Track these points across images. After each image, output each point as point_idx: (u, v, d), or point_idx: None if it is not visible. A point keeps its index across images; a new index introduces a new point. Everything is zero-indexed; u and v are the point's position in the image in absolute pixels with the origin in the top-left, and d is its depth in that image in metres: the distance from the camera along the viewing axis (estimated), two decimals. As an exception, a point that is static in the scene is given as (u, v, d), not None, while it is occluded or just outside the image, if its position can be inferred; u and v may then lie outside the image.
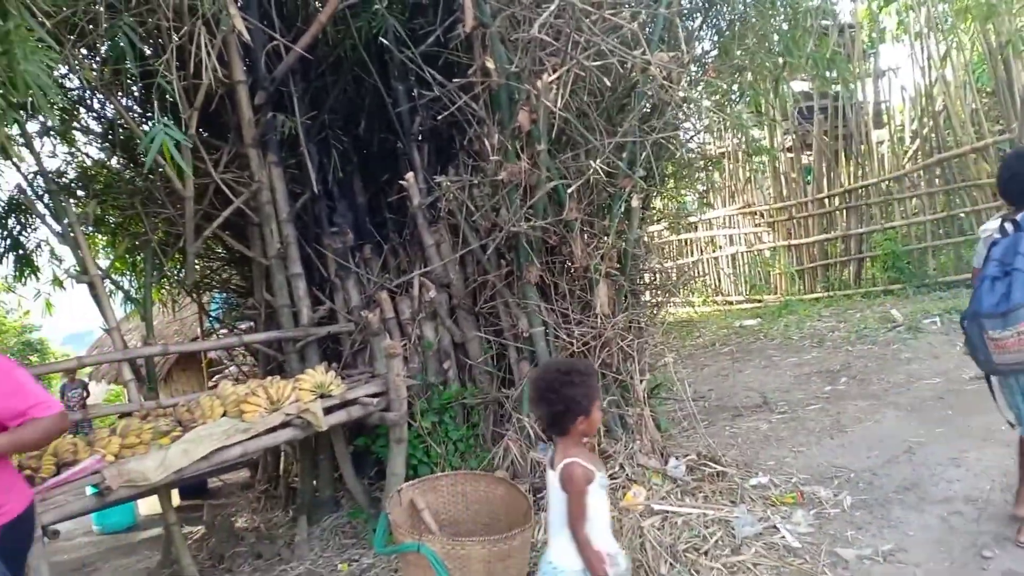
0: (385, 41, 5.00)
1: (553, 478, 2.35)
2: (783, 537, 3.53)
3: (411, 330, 5.08)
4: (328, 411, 4.06)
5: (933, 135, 9.51)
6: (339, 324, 5.21)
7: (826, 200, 10.56)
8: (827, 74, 8.47)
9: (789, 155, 11.50)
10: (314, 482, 5.20)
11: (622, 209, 4.82)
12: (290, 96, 5.10)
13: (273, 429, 3.82)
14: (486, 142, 4.59)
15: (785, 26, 6.02)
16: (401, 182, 5.09)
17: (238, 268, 6.53)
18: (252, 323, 6.11)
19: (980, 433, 4.56)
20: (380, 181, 5.84)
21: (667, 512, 3.83)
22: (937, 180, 9.49)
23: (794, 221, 10.99)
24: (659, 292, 6.37)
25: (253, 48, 4.94)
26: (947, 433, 4.64)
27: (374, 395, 4.35)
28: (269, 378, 4.39)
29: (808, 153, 11.42)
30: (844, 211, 10.25)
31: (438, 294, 5.04)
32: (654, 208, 7.89)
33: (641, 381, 4.89)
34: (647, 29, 4.56)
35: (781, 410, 5.52)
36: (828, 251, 10.52)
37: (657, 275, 6.44)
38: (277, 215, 4.98)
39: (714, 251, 12.72)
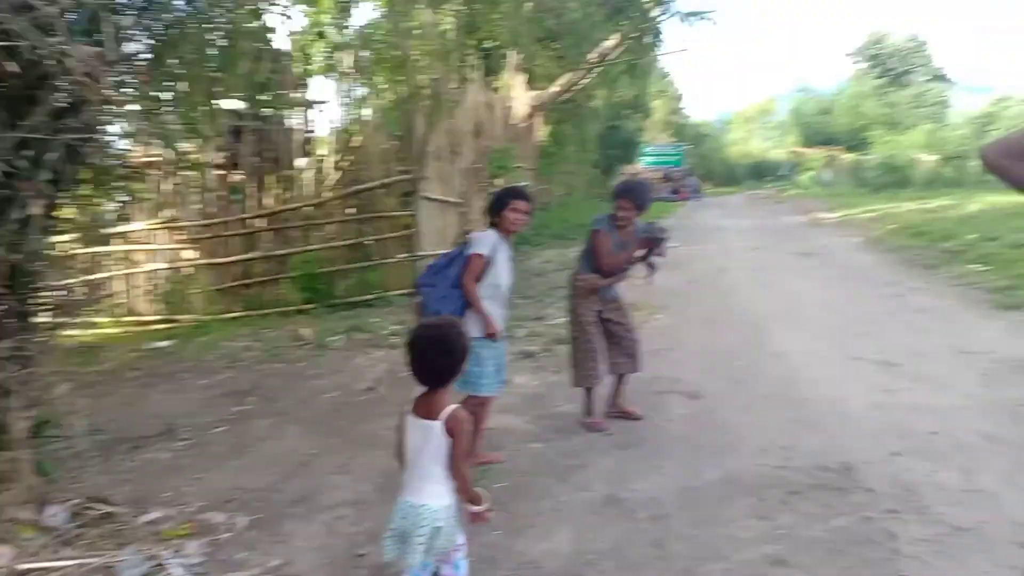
0: None
1: (427, 426, 2.68)
2: (169, 574, 3.35)
3: None
4: None
5: (351, 168, 10.47)
6: None
7: (252, 220, 10.73)
8: (260, 97, 8.65)
9: (219, 173, 11.39)
10: None
11: (20, 216, 4.07)
12: None
13: None
14: None
15: (223, 42, 5.91)
16: None
17: None
18: None
19: (367, 440, 5.08)
20: None
21: (36, 570, 3.31)
22: (351, 209, 10.47)
23: (219, 240, 10.90)
24: (59, 313, 5.60)
25: None
26: (339, 443, 5.06)
27: None
28: None
29: (238, 173, 11.48)
30: (268, 232, 10.56)
31: None
32: (63, 217, 6.93)
33: (24, 420, 4.18)
34: (68, 16, 3.96)
35: (185, 436, 5.33)
36: (250, 271, 10.69)
37: (59, 293, 5.66)
38: None
39: (131, 267, 11.80)
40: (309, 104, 11.84)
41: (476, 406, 4.39)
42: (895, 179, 31.60)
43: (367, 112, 10.66)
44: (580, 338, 5.22)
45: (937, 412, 5.32)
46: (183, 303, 11.01)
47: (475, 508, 2.81)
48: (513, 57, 14.52)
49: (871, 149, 41.13)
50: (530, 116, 16.61)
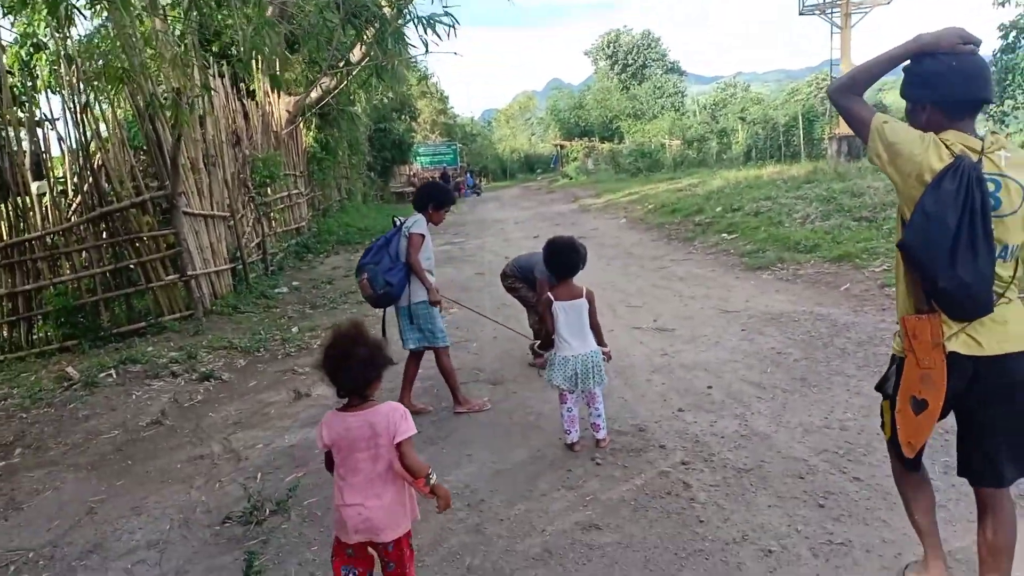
0: None
1: (576, 303, 4.42)
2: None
3: None
4: None
5: (95, 189, 9.49)
6: None
7: (-15, 254, 9.40)
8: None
9: (-67, 204, 9.84)
10: None
11: None
12: None
13: None
14: None
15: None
16: None
17: None
18: None
19: (158, 476, 4.68)
20: None
21: None
22: (104, 233, 9.50)
23: (-54, 279, 9.45)
24: None
25: None
26: (128, 484, 4.61)
27: None
28: None
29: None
30: (6, 267, 9.32)
31: None
32: None
33: None
34: None
35: (-66, 505, 4.58)
36: (0, 312, 9.38)
37: None
38: None
39: None
40: (37, 122, 10.50)
41: (442, 357, 5.35)
42: (648, 164, 34.35)
43: (103, 127, 9.62)
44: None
45: (710, 368, 5.87)
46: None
47: (606, 349, 4.56)
48: (260, 63, 13.98)
49: (624, 138, 44.39)
50: (292, 122, 16.08)
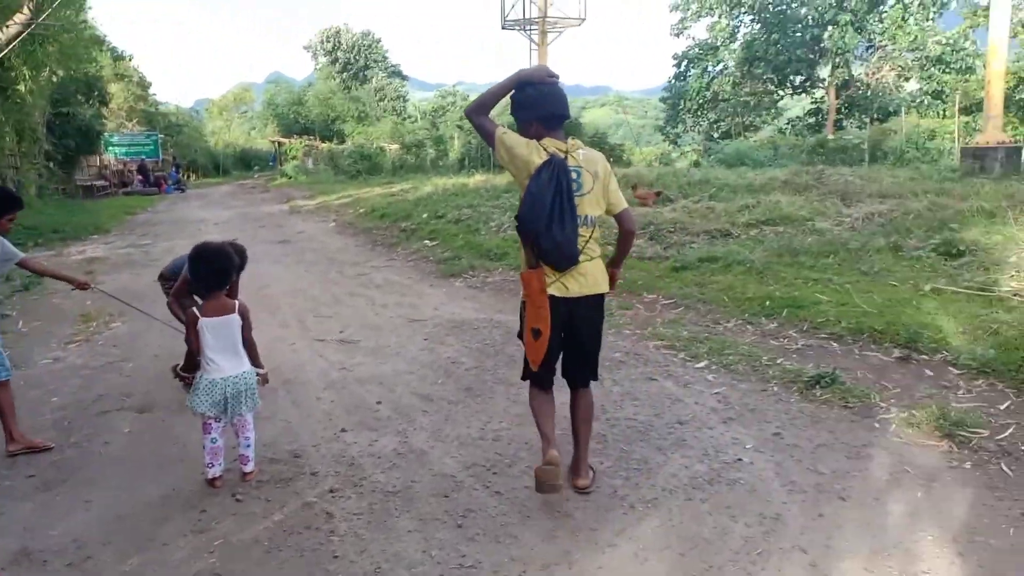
0: None
1: (226, 319, 3.94)
2: None
3: None
4: None
5: None
6: None
7: None
8: None
9: None
10: None
11: None
12: None
13: None
14: None
15: None
16: None
17: None
18: None
19: None
20: None
21: None
22: None
23: None
24: None
25: None
26: None
27: None
28: None
29: None
30: None
31: None
32: None
33: None
34: None
35: None
36: None
37: None
38: None
39: None
40: None
41: None
42: (367, 167, 34.00)
43: None
44: None
45: (385, 382, 5.70)
46: None
47: (262, 371, 4.18)
48: None
49: (345, 139, 43.64)
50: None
